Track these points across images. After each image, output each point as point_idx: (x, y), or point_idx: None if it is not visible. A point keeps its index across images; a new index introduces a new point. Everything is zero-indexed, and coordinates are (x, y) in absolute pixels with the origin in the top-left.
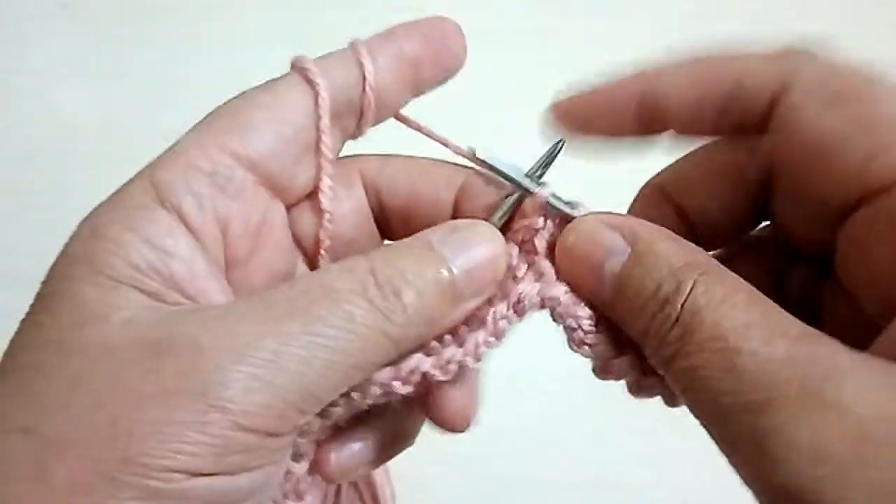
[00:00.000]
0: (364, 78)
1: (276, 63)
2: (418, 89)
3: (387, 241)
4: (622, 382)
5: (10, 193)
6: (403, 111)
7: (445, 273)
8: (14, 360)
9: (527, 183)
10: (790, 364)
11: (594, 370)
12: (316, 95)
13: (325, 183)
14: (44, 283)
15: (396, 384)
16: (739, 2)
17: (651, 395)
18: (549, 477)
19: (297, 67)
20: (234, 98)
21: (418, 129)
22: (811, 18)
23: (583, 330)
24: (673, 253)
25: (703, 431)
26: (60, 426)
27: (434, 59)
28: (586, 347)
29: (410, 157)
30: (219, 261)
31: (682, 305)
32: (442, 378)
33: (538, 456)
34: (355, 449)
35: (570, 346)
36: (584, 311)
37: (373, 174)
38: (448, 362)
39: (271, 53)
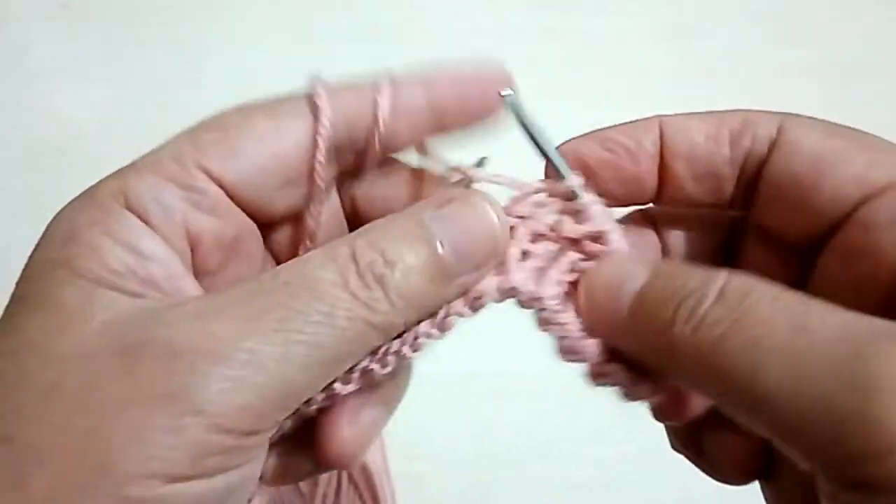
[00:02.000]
0: (375, 118)
1: (276, 63)
2: (441, 132)
3: None
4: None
5: (10, 193)
6: None
7: (433, 251)
8: None
9: (557, 161)
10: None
11: (587, 375)
12: (315, 132)
13: (313, 220)
14: (20, 285)
15: (338, 386)
16: (739, 2)
17: (641, 399)
18: (548, 477)
19: (309, 95)
20: (233, 110)
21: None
22: (810, 18)
23: (548, 309)
24: (694, 268)
25: None
26: (39, 434)
27: (462, 109)
28: (553, 327)
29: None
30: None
31: (723, 287)
32: (381, 371)
33: (537, 456)
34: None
35: (540, 326)
36: (549, 292)
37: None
38: (385, 354)
39: (272, 53)
